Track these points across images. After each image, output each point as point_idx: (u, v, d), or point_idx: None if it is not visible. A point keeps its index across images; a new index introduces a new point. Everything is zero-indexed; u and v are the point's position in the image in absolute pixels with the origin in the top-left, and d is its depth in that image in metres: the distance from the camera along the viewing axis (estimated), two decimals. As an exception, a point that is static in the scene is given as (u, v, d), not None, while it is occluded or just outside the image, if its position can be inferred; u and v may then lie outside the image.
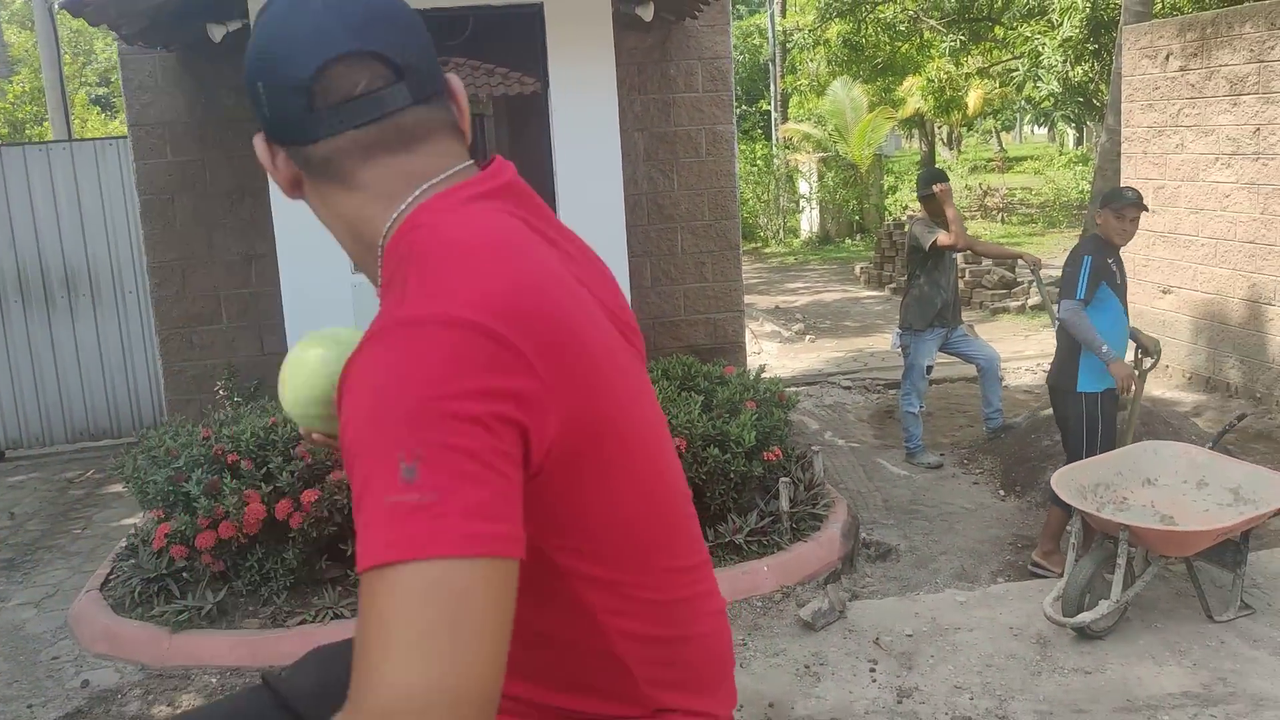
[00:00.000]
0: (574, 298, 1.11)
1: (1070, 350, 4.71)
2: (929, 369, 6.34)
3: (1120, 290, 4.75)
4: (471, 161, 1.19)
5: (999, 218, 19.57)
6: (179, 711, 3.78)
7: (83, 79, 24.27)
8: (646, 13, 5.35)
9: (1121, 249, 4.79)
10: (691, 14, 5.83)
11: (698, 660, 1.25)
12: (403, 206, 1.12)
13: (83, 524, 6.06)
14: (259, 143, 1.18)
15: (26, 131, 16.20)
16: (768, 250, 18.19)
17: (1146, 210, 4.78)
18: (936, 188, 6.13)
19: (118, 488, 6.30)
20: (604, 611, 1.14)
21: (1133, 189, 4.82)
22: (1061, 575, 4.22)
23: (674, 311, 6.76)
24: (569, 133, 5.45)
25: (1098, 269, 4.69)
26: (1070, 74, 14.60)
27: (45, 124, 13.92)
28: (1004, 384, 7.68)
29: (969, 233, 6.54)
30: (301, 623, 4.20)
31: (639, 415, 1.19)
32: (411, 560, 0.90)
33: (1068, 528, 4.25)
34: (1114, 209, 4.71)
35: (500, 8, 5.29)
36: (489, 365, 0.97)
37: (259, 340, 6.34)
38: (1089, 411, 4.69)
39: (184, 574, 4.43)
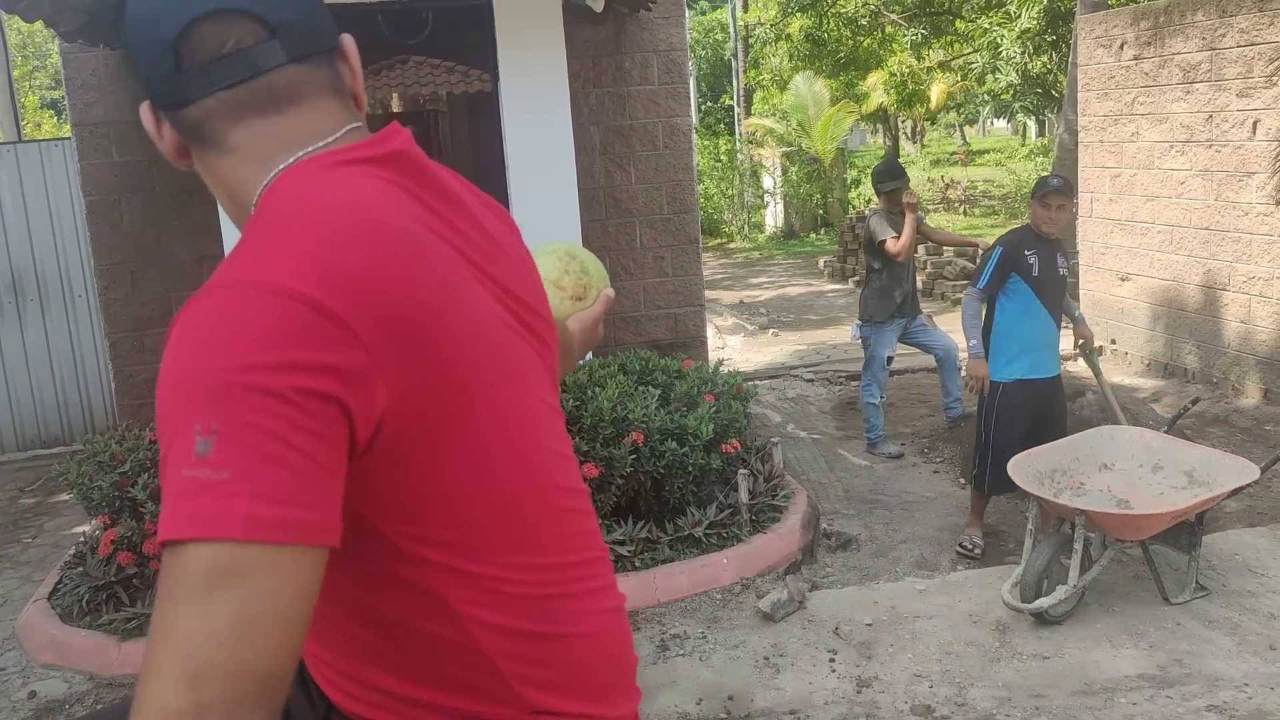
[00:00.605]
0: (436, 272, 1.05)
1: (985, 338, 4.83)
2: (889, 360, 6.36)
3: (1039, 282, 4.68)
4: (359, 125, 1.14)
5: (961, 210, 19.69)
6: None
7: (35, 82, 23.93)
8: (597, 4, 5.31)
9: (1065, 240, 4.79)
10: (645, 6, 5.79)
11: (578, 660, 1.19)
12: (274, 171, 1.08)
13: (33, 533, 5.94)
14: (144, 112, 1.13)
15: (-23, 136, 15.92)
16: (732, 246, 18.20)
17: (1068, 197, 4.67)
18: (905, 198, 6.15)
19: (69, 496, 6.18)
20: (463, 603, 1.09)
21: (1059, 176, 4.73)
22: (980, 545, 4.66)
23: (634, 306, 6.72)
24: (521, 128, 5.40)
25: (1006, 259, 4.69)
26: (1029, 65, 14.69)
27: (-5, 128, 13.69)
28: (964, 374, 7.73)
29: (931, 224, 6.56)
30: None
31: (508, 400, 1.12)
32: (195, 540, 0.86)
33: (1025, 513, 4.25)
34: (1038, 197, 4.69)
35: (449, 4, 5.23)
36: (305, 337, 0.92)
37: (212, 342, 6.24)
38: (988, 399, 4.76)
39: (133, 581, 4.35)
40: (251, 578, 0.86)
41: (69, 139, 6.56)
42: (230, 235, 5.24)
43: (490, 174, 5.75)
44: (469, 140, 8.71)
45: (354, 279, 0.96)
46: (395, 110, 8.64)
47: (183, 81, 1.07)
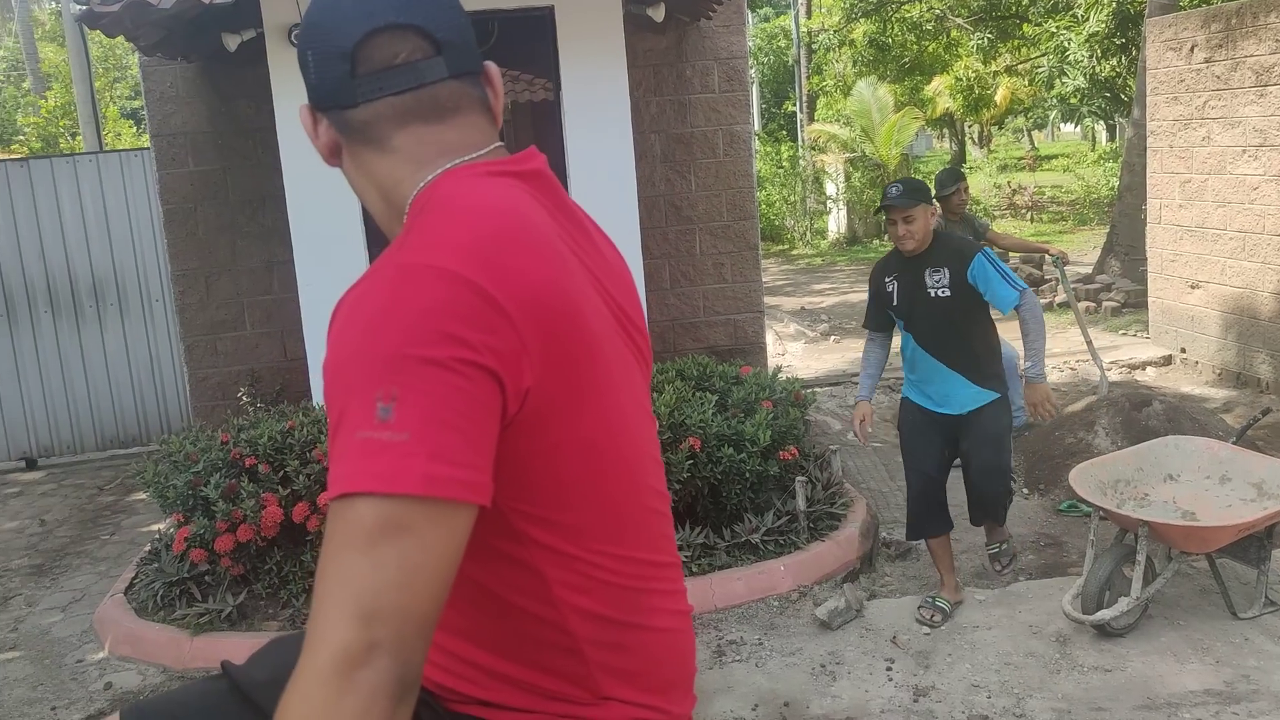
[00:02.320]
0: (571, 276, 1.16)
1: None
2: None
3: (902, 313, 4.11)
4: (502, 144, 1.25)
5: (1028, 216, 19.40)
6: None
7: (115, 93, 24.63)
8: (658, 13, 5.35)
9: (957, 249, 4.05)
10: (705, 14, 5.83)
11: (654, 654, 1.25)
12: (430, 174, 1.18)
13: (111, 530, 6.14)
14: (303, 111, 1.26)
15: (61, 145, 16.45)
16: (795, 252, 18.12)
17: (912, 205, 3.93)
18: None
19: (145, 495, 6.38)
20: (559, 584, 1.16)
21: (894, 183, 4.04)
22: (944, 612, 4.15)
23: (693, 313, 6.75)
24: (582, 136, 5.46)
25: (871, 290, 4.24)
26: (1097, 69, 14.45)
27: (78, 137, 14.13)
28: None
29: (998, 230, 6.52)
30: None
31: (620, 403, 1.21)
32: (373, 493, 0.95)
33: (1090, 532, 4.20)
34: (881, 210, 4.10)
35: (512, 11, 5.31)
36: (471, 317, 1.02)
37: (282, 346, 6.40)
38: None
39: (205, 577, 4.48)
40: (420, 530, 0.96)
41: (148, 149, 6.78)
42: (299, 244, 5.37)
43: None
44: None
45: (511, 272, 1.07)
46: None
47: (356, 85, 1.19)
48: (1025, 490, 5.68)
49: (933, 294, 4.00)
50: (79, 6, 8.52)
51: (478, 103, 1.24)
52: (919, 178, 18.65)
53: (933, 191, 6.35)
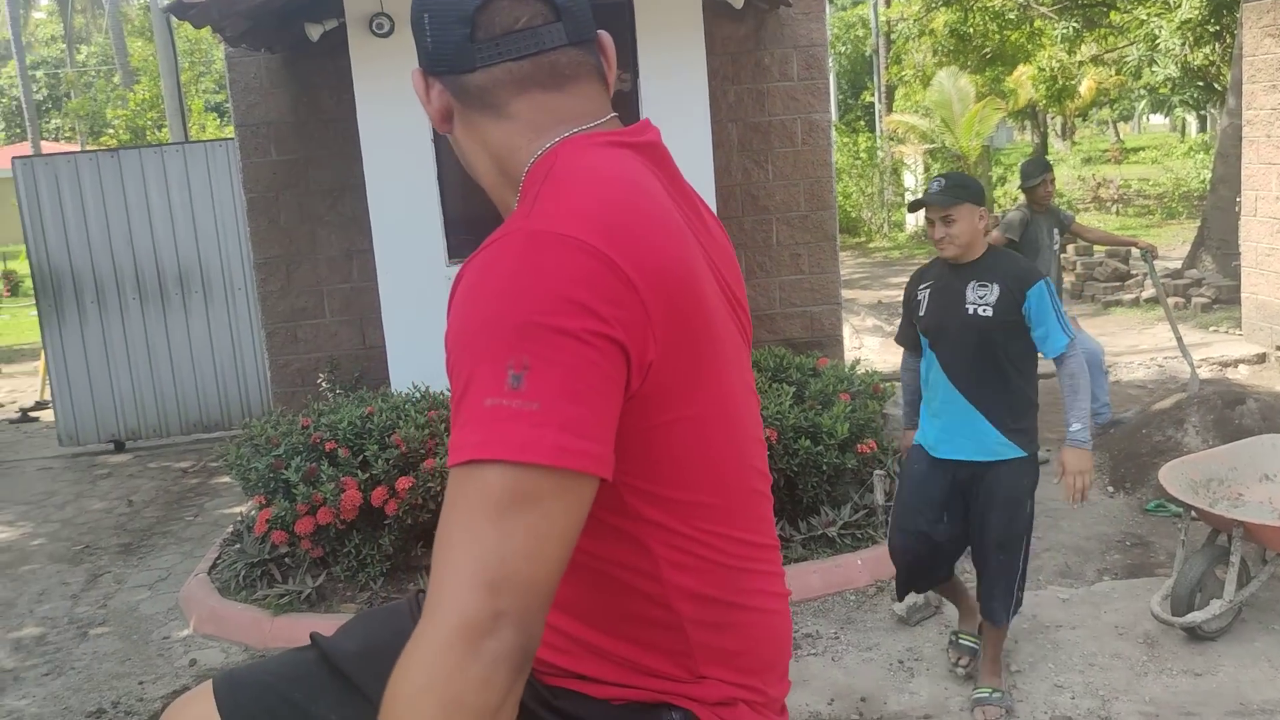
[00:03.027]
0: (690, 251, 1.14)
1: None
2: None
3: (928, 329, 3.49)
4: (616, 115, 1.24)
5: (1114, 209, 18.92)
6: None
7: (200, 87, 25.24)
8: (737, 0, 5.30)
9: (1005, 264, 3.45)
10: (785, 2, 5.76)
11: (753, 635, 1.24)
12: (547, 142, 1.17)
13: (195, 511, 6.28)
14: (416, 76, 1.24)
15: (148, 136, 16.89)
16: (871, 245, 17.91)
17: (956, 204, 3.34)
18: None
19: (228, 478, 6.52)
20: (665, 562, 1.15)
21: (937, 177, 3.47)
22: (968, 653, 3.68)
23: (769, 304, 6.69)
24: (659, 125, 5.38)
25: (905, 297, 3.66)
26: (1189, 57, 14.00)
27: (164, 129, 14.50)
28: (1114, 379, 7.43)
29: (1083, 223, 6.38)
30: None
31: (731, 381, 1.20)
32: (503, 461, 0.94)
33: (1178, 525, 4.06)
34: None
35: (591, 3, 5.29)
36: (599, 288, 1.01)
37: (360, 334, 6.48)
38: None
39: (285, 559, 4.56)
40: (548, 501, 0.95)
41: (231, 139, 6.91)
42: (379, 233, 5.43)
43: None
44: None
45: (636, 243, 1.05)
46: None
47: (475, 50, 1.17)
48: (1111, 489, 5.53)
49: (971, 310, 3.36)
50: (164, 1, 8.71)
51: (594, 71, 1.22)
52: (1001, 170, 18.27)
53: (1018, 182, 6.23)
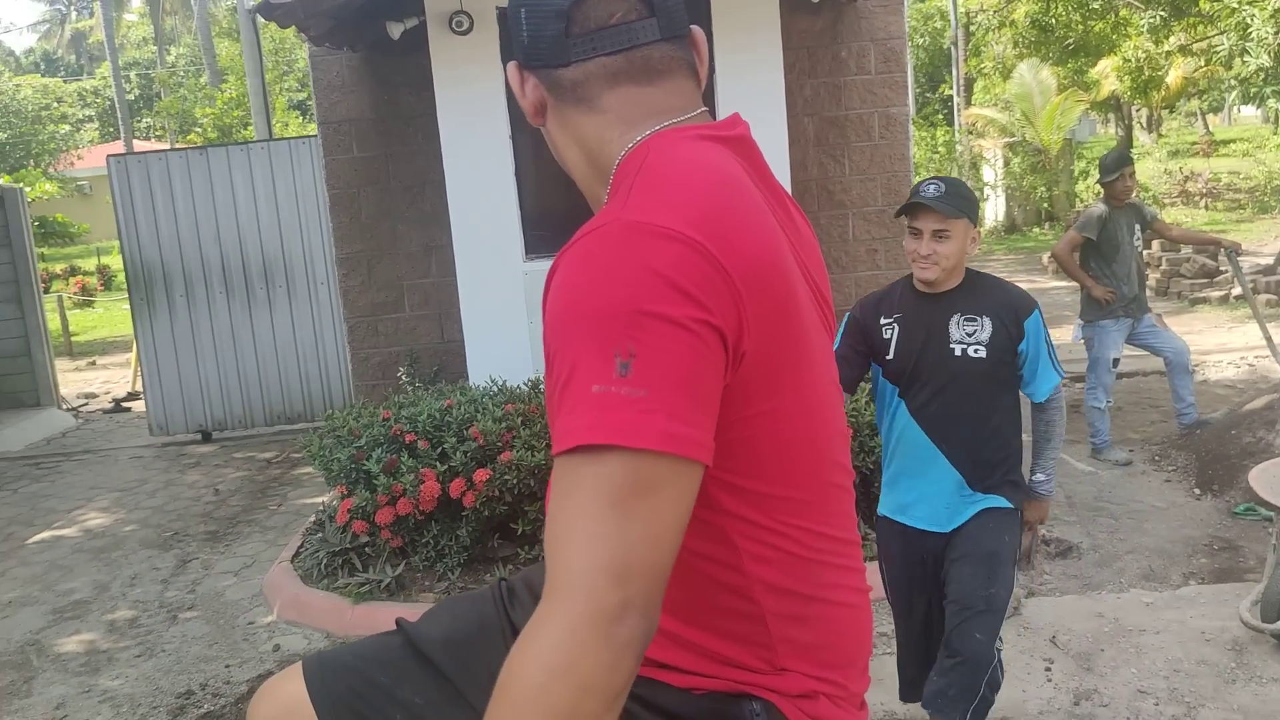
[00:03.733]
0: (779, 244, 1.15)
1: None
2: (1115, 362, 6.03)
3: (897, 371, 2.84)
4: (706, 109, 1.25)
5: (1203, 204, 18.39)
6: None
7: (284, 85, 25.79)
8: (815, -6, 5.27)
9: (991, 292, 2.85)
10: (863, -6, 5.71)
11: (834, 628, 1.24)
12: (639, 135, 1.19)
13: (278, 500, 6.44)
14: (512, 70, 1.26)
15: (234, 134, 17.32)
16: (948, 240, 17.64)
17: (935, 212, 2.72)
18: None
19: (309, 468, 6.67)
20: (748, 555, 1.16)
21: (934, 180, 2.83)
22: None
23: (845, 300, 6.62)
24: (740, 116, 5.41)
25: (853, 327, 2.94)
26: (1284, 46, 13.53)
27: (249, 128, 14.85)
28: (1201, 378, 7.25)
29: (1167, 220, 6.22)
30: (472, 598, 4.34)
31: (817, 375, 1.21)
32: (615, 446, 0.96)
33: (1268, 529, 3.95)
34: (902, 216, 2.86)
35: (668, -4, 5.30)
36: (703, 280, 1.02)
37: (439, 328, 6.58)
38: None
39: (366, 549, 4.65)
40: (663, 488, 0.97)
41: (314, 136, 7.05)
42: (458, 229, 5.50)
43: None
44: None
45: (730, 235, 1.06)
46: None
47: (570, 44, 1.19)
48: (1197, 491, 5.39)
49: (959, 352, 2.77)
50: (250, 2, 8.90)
51: (686, 66, 1.24)
52: (1083, 164, 17.86)
53: (1097, 176, 6.08)
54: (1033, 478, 2.96)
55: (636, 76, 1.20)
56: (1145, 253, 6.14)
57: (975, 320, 2.79)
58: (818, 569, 1.22)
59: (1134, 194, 6.02)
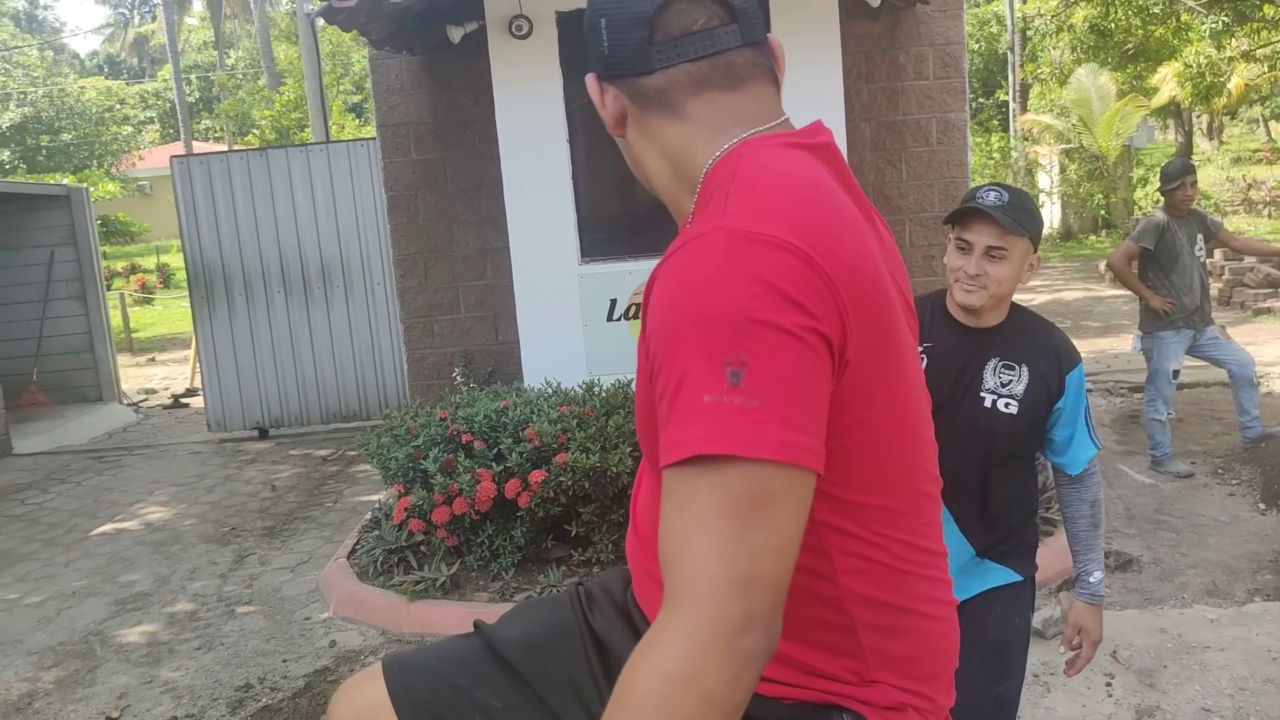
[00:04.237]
0: (874, 255, 1.15)
1: None
2: (1175, 374, 5.91)
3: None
4: (787, 116, 1.24)
5: (1266, 212, 18.02)
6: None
7: (340, 88, 26.11)
8: (876, -1, 5.23)
9: (1026, 329, 2.39)
10: (923, -1, 5.66)
11: (924, 640, 1.23)
12: (726, 143, 1.18)
13: (334, 498, 6.52)
14: (591, 82, 1.25)
15: (291, 136, 17.56)
16: (1003, 247, 17.44)
17: (997, 226, 2.24)
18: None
19: (365, 466, 6.75)
20: (840, 568, 1.15)
21: (993, 186, 2.33)
22: None
23: (900, 306, 6.58)
24: (793, 122, 5.39)
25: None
26: (1353, 52, 13.23)
27: (307, 130, 15.04)
28: (1265, 390, 7.10)
29: (1230, 229, 6.09)
30: (527, 598, 4.35)
31: (910, 381, 1.20)
32: (732, 457, 0.95)
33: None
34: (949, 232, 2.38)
35: (728, 0, 5.29)
36: (806, 287, 1.01)
37: (494, 329, 6.62)
38: None
39: (421, 547, 4.69)
40: (781, 498, 0.96)
41: (372, 139, 7.13)
42: (515, 231, 5.53)
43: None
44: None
45: (830, 243, 1.06)
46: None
47: (653, 51, 1.18)
48: (1262, 505, 5.28)
49: (989, 403, 2.31)
50: (310, 6, 9.02)
51: (767, 73, 1.22)
52: (1142, 171, 17.55)
53: (1158, 184, 5.94)
54: (1084, 579, 2.49)
55: (721, 83, 1.19)
56: (1208, 262, 6.01)
57: (1014, 369, 2.33)
58: (910, 580, 1.21)
59: (1195, 203, 5.90)
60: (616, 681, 0.95)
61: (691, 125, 1.19)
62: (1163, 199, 5.90)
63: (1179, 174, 5.78)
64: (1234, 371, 5.92)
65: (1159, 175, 5.96)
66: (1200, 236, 5.85)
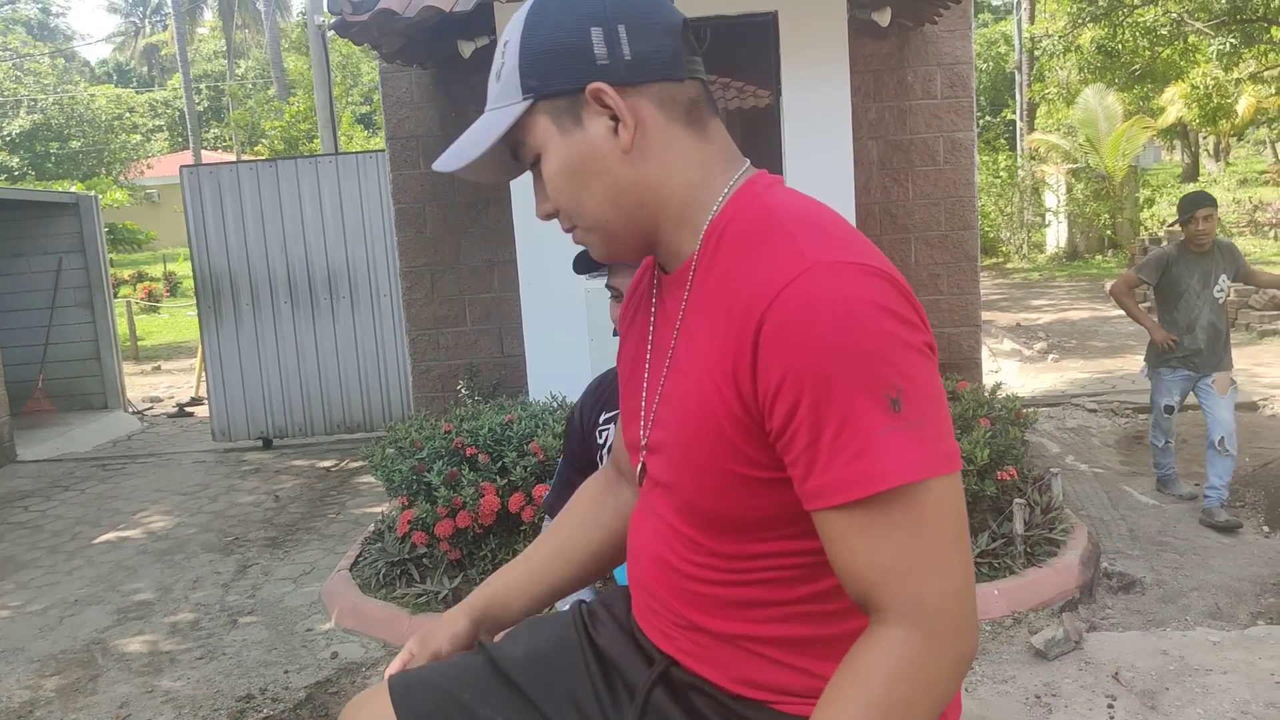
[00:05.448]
0: None
1: None
2: (1169, 409, 5.62)
3: None
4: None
5: (1272, 234, 18.01)
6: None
7: (349, 99, 26.22)
8: (883, 18, 5.26)
9: None
10: (930, 19, 5.69)
11: None
12: (732, 177, 1.19)
13: (337, 509, 6.52)
14: (600, 89, 1.13)
15: (300, 147, 17.63)
16: (1010, 266, 17.47)
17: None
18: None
19: (368, 477, 6.75)
20: None
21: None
22: None
23: (905, 324, 6.59)
24: (800, 141, 5.42)
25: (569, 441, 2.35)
26: (1360, 75, 13.25)
27: (316, 140, 15.10)
28: (1270, 413, 7.07)
29: (1244, 255, 5.53)
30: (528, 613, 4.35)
31: None
32: (931, 477, 1.02)
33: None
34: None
35: (734, 17, 5.33)
36: (915, 307, 1.07)
37: (499, 342, 6.64)
38: None
39: (424, 560, 4.69)
40: (959, 504, 1.06)
41: (381, 151, 7.16)
42: (523, 245, 5.55)
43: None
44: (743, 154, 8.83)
45: (895, 270, 1.10)
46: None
47: (685, 60, 1.17)
48: (1266, 528, 5.27)
49: None
50: (320, 18, 9.06)
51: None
52: (1149, 192, 17.52)
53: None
54: None
55: (716, 111, 1.20)
56: (1221, 304, 5.48)
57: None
58: None
59: (1207, 239, 5.34)
60: (833, 692, 1.06)
61: (714, 149, 1.18)
62: (1183, 231, 5.47)
63: (1191, 207, 5.33)
64: (1209, 435, 5.44)
65: (1182, 207, 5.44)
66: (1224, 277, 5.42)
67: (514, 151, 1.22)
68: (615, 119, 1.14)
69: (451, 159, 1.23)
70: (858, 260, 1.05)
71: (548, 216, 1.23)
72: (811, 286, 1.03)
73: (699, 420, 1.12)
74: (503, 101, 1.19)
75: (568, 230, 1.22)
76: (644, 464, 1.27)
